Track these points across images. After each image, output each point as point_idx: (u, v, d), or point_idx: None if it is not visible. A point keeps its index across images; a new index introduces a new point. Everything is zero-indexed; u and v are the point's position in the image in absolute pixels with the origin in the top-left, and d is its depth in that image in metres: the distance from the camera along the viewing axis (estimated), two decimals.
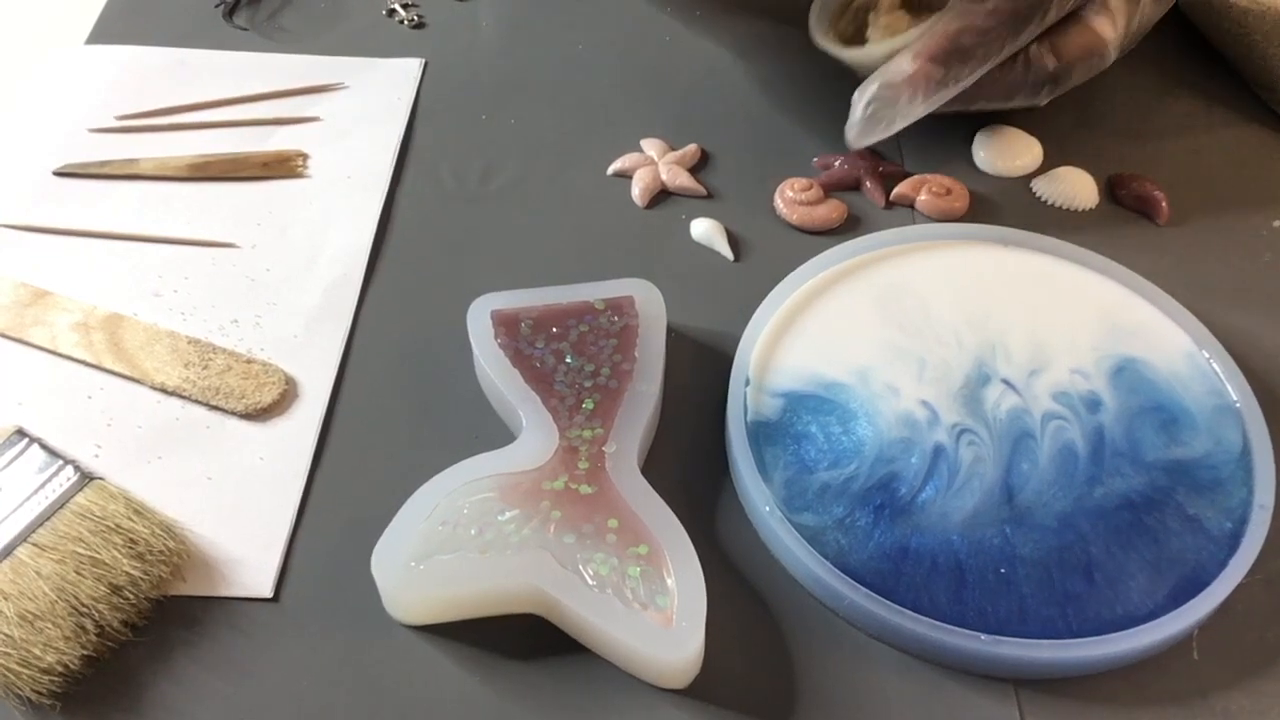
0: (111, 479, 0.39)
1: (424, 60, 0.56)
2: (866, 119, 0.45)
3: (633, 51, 0.57)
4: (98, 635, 0.35)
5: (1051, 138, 0.52)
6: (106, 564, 0.35)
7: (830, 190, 0.50)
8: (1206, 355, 0.42)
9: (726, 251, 0.48)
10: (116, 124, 0.52)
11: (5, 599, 0.35)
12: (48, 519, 0.37)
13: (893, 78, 0.44)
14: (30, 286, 0.45)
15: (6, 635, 0.34)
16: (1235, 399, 0.41)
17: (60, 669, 0.34)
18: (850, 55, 0.48)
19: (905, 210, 0.50)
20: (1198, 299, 0.44)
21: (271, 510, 0.39)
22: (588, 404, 0.39)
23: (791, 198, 0.49)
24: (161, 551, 0.36)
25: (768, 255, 0.47)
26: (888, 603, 0.36)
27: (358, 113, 0.53)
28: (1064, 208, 0.50)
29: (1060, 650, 0.35)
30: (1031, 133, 0.52)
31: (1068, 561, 0.37)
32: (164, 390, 0.42)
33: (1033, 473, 0.39)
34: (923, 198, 0.49)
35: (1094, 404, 0.41)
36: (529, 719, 0.35)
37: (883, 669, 0.36)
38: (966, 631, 0.35)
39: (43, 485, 0.38)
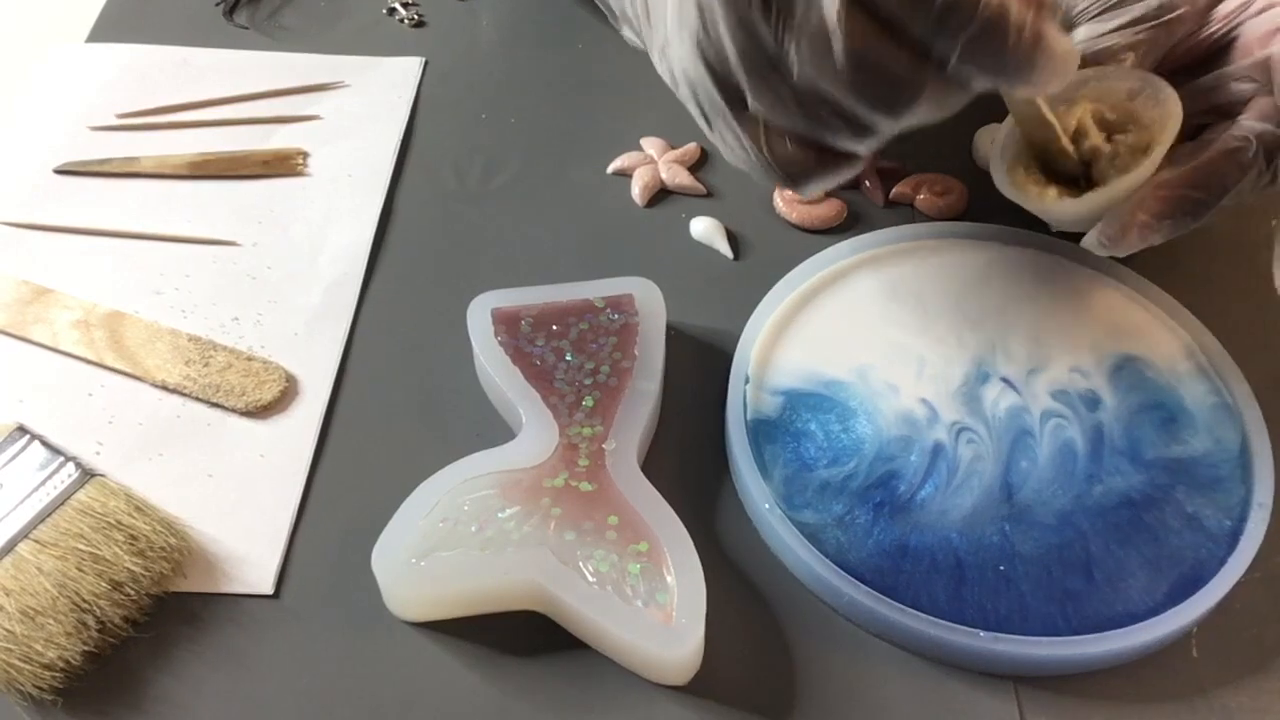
0: (112, 476, 0.39)
1: (424, 59, 0.56)
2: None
3: (633, 51, 0.57)
4: (99, 631, 0.35)
5: None
6: (108, 560, 0.36)
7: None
8: (1205, 354, 0.42)
9: (726, 250, 0.48)
10: (117, 122, 0.52)
11: (7, 595, 0.35)
12: (49, 516, 0.37)
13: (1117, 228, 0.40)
14: (31, 284, 0.45)
15: (8, 631, 0.34)
16: (1234, 398, 0.41)
17: (62, 665, 0.34)
18: (1057, 208, 0.42)
19: (905, 209, 0.50)
20: (1197, 298, 0.44)
21: (272, 507, 0.39)
22: (588, 401, 0.39)
23: (791, 196, 0.49)
24: (162, 548, 0.37)
25: (767, 253, 0.47)
26: (887, 600, 0.36)
27: (358, 111, 0.53)
28: None
29: (1060, 648, 0.35)
30: None
31: (1067, 559, 0.37)
32: (165, 387, 0.42)
33: (1032, 471, 0.39)
34: (922, 197, 0.49)
35: (1093, 402, 0.41)
36: (529, 715, 0.35)
37: (882, 666, 0.36)
38: (966, 629, 0.35)
39: (44, 482, 0.38)
